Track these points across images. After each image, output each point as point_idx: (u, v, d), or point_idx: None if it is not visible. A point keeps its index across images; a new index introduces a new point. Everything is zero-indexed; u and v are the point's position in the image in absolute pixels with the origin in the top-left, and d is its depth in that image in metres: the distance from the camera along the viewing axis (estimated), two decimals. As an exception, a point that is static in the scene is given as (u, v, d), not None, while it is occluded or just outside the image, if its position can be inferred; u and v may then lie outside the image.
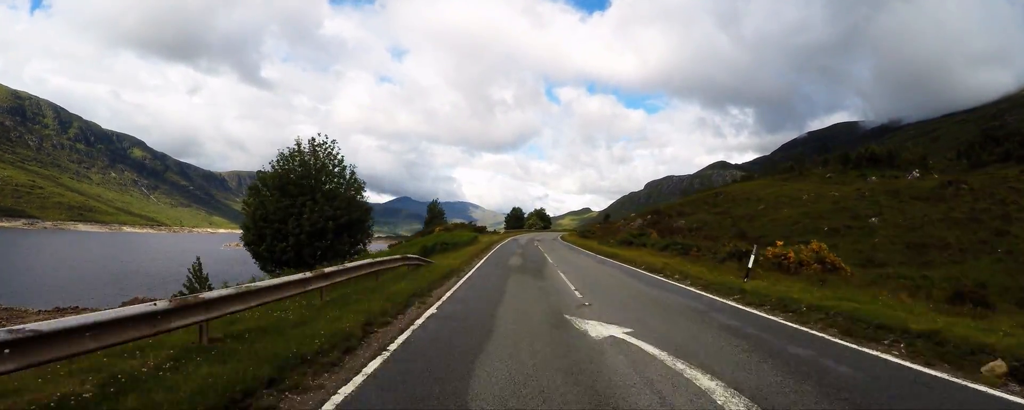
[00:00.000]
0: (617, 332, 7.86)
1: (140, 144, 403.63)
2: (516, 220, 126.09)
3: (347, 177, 28.45)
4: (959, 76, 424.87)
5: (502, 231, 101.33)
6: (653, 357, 6.39)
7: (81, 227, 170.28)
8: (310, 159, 27.31)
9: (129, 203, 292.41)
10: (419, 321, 8.62)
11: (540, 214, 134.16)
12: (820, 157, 64.66)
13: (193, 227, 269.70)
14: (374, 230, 31.44)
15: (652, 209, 55.58)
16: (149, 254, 68.62)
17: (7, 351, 3.92)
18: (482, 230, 71.24)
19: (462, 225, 68.15)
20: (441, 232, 49.09)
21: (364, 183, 29.47)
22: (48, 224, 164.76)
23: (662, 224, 44.87)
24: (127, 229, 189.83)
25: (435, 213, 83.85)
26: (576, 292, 12.93)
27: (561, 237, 71.83)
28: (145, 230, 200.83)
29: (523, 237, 65.89)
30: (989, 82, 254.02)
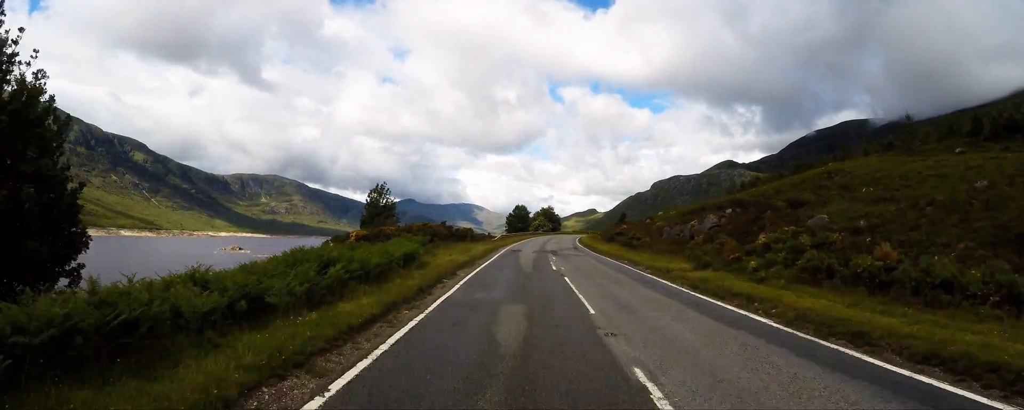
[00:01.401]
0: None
1: (141, 147, 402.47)
2: (520, 221, 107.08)
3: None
4: (970, 71, 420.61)
5: (500, 235, 73.87)
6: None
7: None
8: None
9: (129, 206, 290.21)
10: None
11: (548, 214, 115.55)
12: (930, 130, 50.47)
13: (194, 230, 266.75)
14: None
15: (732, 200, 37.29)
16: (126, 257, 64.91)
17: None
18: (463, 235, 43.78)
19: (420, 229, 35.33)
20: (357, 242, 23.08)
21: (45, 90, 9.85)
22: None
23: (766, 221, 26.55)
24: (124, 233, 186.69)
25: (379, 208, 50.70)
26: None
27: (579, 241, 56.68)
28: (144, 234, 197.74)
29: (528, 245, 47.23)
30: (1001, 77, 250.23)
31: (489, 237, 59.93)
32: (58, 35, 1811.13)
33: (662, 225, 40.73)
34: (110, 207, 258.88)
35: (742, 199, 35.66)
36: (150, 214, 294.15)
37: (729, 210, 33.06)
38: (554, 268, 22.30)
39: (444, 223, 46.48)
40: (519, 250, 37.32)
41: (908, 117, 53.25)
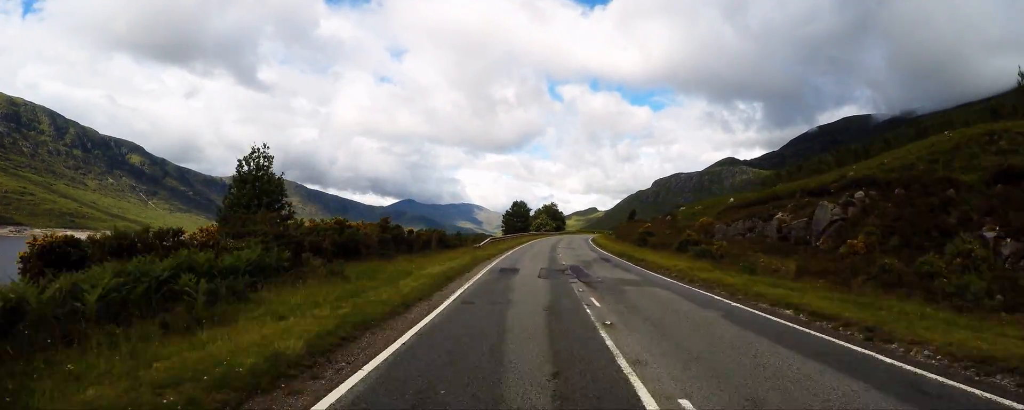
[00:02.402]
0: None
1: (139, 149, 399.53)
2: (519, 219, 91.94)
3: None
4: (974, 64, 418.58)
5: (489, 239, 48.80)
6: None
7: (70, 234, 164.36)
8: None
9: (125, 209, 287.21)
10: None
11: (551, 211, 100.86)
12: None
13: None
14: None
15: (841, 180, 25.50)
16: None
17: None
18: (426, 241, 30.62)
19: (275, 236, 15.77)
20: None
21: None
22: (37, 231, 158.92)
23: (972, 208, 16.75)
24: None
25: (254, 190, 26.01)
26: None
27: (594, 243, 46.81)
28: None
29: (530, 253, 33.43)
30: (1005, 69, 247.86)
31: (475, 243, 40.68)
32: (53, 38, 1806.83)
33: (709, 222, 30.35)
34: (106, 210, 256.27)
35: (872, 177, 23.33)
36: (147, 217, 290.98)
37: (859, 193, 21.21)
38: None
39: (386, 221, 28.08)
40: (515, 270, 21.40)
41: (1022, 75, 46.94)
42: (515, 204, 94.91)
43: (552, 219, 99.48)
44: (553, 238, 67.32)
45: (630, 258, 29.34)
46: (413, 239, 26.97)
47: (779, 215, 24.44)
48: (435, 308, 11.27)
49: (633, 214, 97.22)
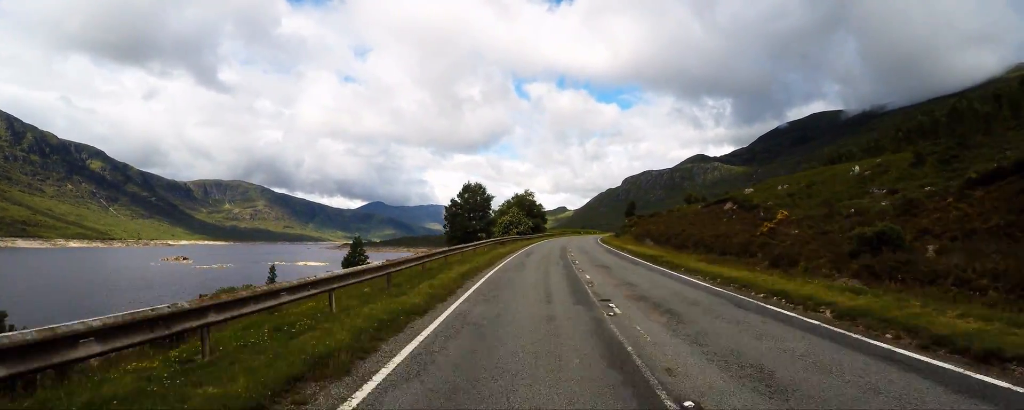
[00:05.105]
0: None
1: (99, 154, 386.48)
2: (474, 215, 56.64)
3: None
4: (946, 58, 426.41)
5: (416, 255, 16.79)
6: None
7: (20, 243, 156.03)
8: None
9: (83, 216, 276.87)
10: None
11: (525, 204, 67.20)
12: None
13: (152, 240, 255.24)
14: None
15: None
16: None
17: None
18: None
19: None
20: None
21: None
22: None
23: None
24: (73, 244, 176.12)
25: None
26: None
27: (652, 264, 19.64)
28: (94, 245, 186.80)
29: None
30: (976, 64, 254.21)
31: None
32: (6, 38, 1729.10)
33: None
34: (62, 217, 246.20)
35: None
36: (106, 224, 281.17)
37: None
38: None
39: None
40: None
41: None
42: (466, 189, 57.90)
43: (527, 215, 65.70)
44: (538, 245, 38.90)
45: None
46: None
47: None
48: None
49: (632, 207, 75.03)
